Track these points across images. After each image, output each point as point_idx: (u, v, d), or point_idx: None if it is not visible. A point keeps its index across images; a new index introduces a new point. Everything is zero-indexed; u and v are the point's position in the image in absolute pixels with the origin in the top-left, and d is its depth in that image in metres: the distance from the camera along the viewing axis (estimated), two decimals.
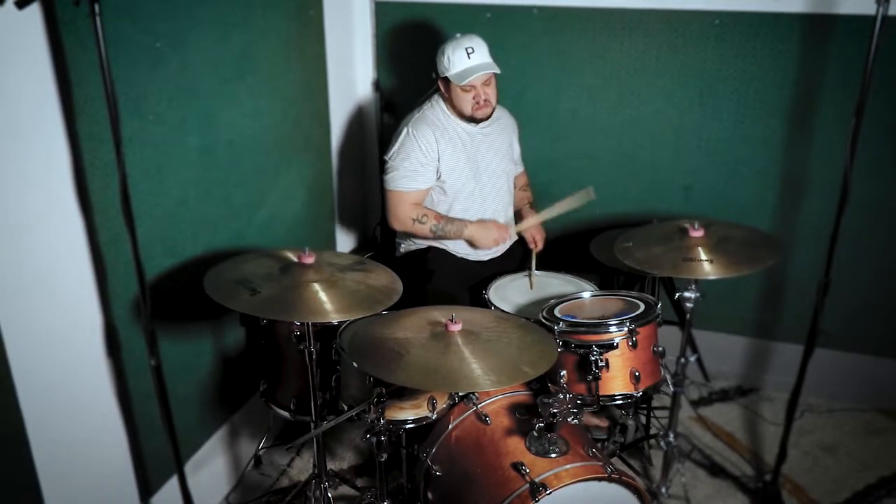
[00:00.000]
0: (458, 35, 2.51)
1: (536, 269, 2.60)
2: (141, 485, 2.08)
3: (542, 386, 2.10)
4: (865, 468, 2.63)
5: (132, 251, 1.58)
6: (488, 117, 2.58)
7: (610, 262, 2.46)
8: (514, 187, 2.84)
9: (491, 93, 2.53)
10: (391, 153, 2.56)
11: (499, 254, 2.72)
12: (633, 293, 2.29)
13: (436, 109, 2.59)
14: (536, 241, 2.70)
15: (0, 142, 1.52)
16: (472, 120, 2.56)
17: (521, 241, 2.80)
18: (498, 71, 2.49)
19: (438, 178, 2.56)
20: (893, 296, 2.82)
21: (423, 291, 2.47)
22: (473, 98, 2.50)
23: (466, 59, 2.45)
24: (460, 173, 2.57)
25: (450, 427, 2.04)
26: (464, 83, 2.45)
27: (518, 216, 2.81)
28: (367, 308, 1.81)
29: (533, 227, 2.72)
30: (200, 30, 2.06)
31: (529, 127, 2.90)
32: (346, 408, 1.99)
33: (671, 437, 2.38)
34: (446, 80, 2.50)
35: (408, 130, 2.54)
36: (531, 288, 2.53)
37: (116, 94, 1.47)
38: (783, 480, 2.50)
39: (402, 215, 2.57)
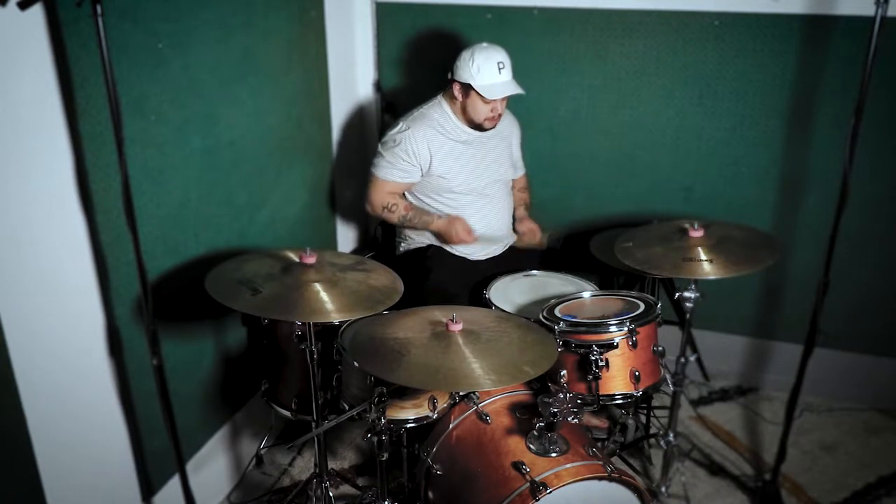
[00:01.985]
0: (485, 44, 2.48)
1: (538, 269, 2.61)
2: (143, 484, 2.09)
3: (542, 385, 2.11)
4: (865, 467, 2.63)
5: (134, 251, 1.59)
6: (493, 127, 2.59)
7: (610, 262, 2.47)
8: (513, 188, 2.85)
9: (503, 107, 2.54)
10: (383, 140, 2.59)
11: (498, 253, 2.73)
12: (633, 293, 2.30)
13: (437, 110, 2.59)
14: (532, 228, 2.77)
15: (2, 142, 1.53)
16: (480, 128, 2.57)
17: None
18: (524, 92, 2.49)
19: (438, 176, 2.56)
20: (893, 295, 2.83)
21: (422, 290, 2.48)
22: (491, 111, 2.50)
23: (497, 73, 2.44)
24: (459, 175, 2.58)
25: (450, 426, 2.05)
26: (493, 98, 2.45)
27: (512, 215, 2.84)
28: (368, 308, 1.82)
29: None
30: (202, 31, 2.07)
31: (530, 128, 2.91)
32: (347, 407, 1.99)
33: (671, 437, 2.38)
34: (465, 86, 2.48)
35: (404, 125, 2.55)
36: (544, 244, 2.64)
37: (118, 95, 1.47)
38: (783, 479, 2.51)
39: (375, 201, 2.61)
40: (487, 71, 2.43)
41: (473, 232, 2.63)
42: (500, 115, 2.54)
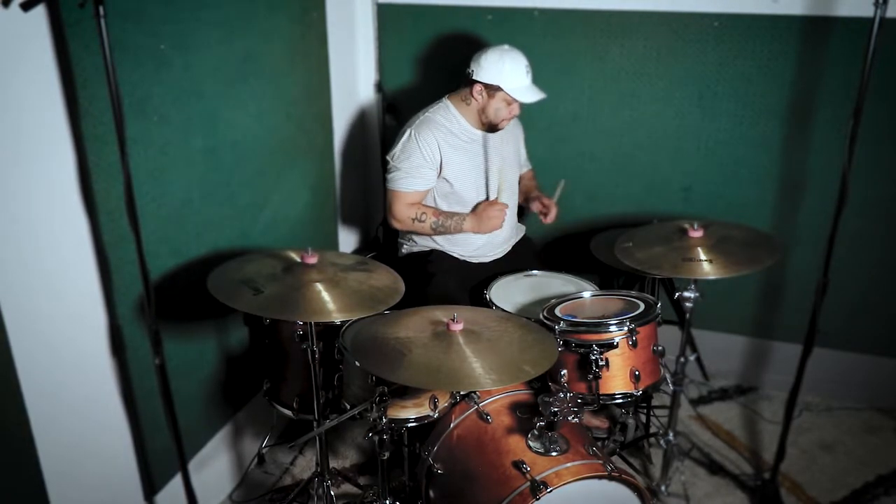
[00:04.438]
0: (507, 47, 2.47)
1: (538, 269, 2.62)
2: (145, 483, 2.10)
3: (542, 385, 2.12)
4: (864, 466, 2.64)
5: (137, 251, 1.60)
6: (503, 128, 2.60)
7: (610, 262, 2.48)
8: (521, 180, 2.86)
9: (520, 109, 2.54)
10: (393, 153, 2.57)
11: (501, 255, 2.73)
12: (633, 293, 2.31)
13: (442, 113, 2.58)
14: (544, 202, 2.71)
15: (5, 143, 1.54)
16: (492, 129, 2.57)
17: (522, 243, 2.82)
18: (546, 96, 2.50)
19: (444, 180, 2.57)
20: (891, 295, 2.84)
21: (424, 293, 2.49)
22: (510, 112, 2.51)
23: (525, 76, 2.45)
24: (467, 178, 2.58)
25: (451, 426, 2.06)
26: (526, 101, 2.46)
27: (526, 200, 2.83)
28: (369, 308, 1.83)
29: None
30: (204, 32, 2.08)
31: (530, 128, 2.91)
32: (348, 406, 2.00)
33: (671, 436, 2.39)
34: (491, 87, 2.46)
35: (410, 132, 2.54)
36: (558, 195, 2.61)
37: (121, 96, 1.48)
38: (782, 478, 2.52)
39: (402, 215, 2.58)
40: (518, 75, 2.43)
41: (505, 207, 2.60)
42: (514, 117, 2.55)
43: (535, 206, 2.74)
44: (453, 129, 2.56)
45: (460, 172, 2.57)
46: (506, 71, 2.42)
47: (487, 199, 2.65)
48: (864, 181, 2.60)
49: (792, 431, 2.36)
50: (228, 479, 2.52)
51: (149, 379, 1.95)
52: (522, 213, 2.89)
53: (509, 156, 2.70)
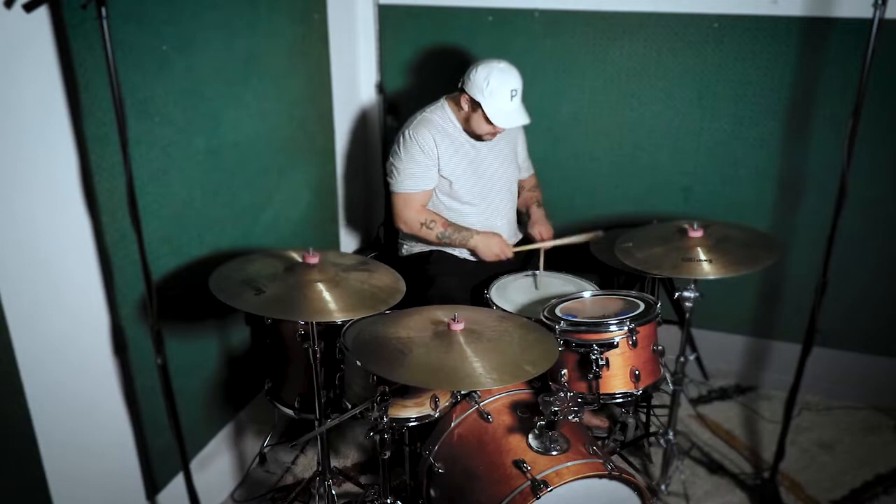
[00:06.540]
0: (503, 65, 2.44)
1: (538, 269, 2.62)
2: (147, 482, 2.11)
3: (543, 384, 2.13)
4: (863, 465, 2.65)
5: (139, 251, 1.61)
6: (491, 139, 2.60)
7: (610, 262, 2.48)
8: (522, 189, 2.87)
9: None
10: (394, 156, 2.58)
11: None
12: (633, 293, 2.32)
13: (439, 113, 2.59)
14: (542, 235, 2.72)
15: (8, 143, 1.54)
16: (478, 138, 2.58)
17: (523, 243, 2.82)
18: (529, 122, 2.48)
19: (442, 178, 2.57)
20: (890, 295, 2.84)
21: (424, 294, 2.49)
22: (493, 128, 2.49)
23: (509, 100, 2.42)
24: (463, 178, 2.59)
25: (452, 425, 2.07)
26: (501, 126, 2.45)
27: (525, 215, 2.84)
28: (370, 307, 1.84)
29: (538, 238, 2.72)
30: (206, 33, 2.08)
31: (531, 129, 2.91)
32: (349, 406, 2.01)
33: (671, 435, 2.39)
34: (474, 101, 2.46)
35: (408, 132, 2.55)
36: (536, 288, 2.53)
37: (123, 97, 1.49)
38: (781, 477, 2.52)
39: (410, 218, 2.58)
40: (500, 97, 2.41)
41: (510, 247, 2.63)
42: (497, 133, 2.55)
43: (536, 233, 2.73)
44: (448, 128, 2.57)
45: (456, 171, 2.57)
46: (489, 90, 2.41)
47: (484, 210, 2.66)
48: (863, 181, 2.61)
49: (791, 430, 2.37)
50: (230, 479, 2.53)
51: (151, 378, 1.95)
52: (521, 220, 2.89)
53: (506, 155, 2.70)
